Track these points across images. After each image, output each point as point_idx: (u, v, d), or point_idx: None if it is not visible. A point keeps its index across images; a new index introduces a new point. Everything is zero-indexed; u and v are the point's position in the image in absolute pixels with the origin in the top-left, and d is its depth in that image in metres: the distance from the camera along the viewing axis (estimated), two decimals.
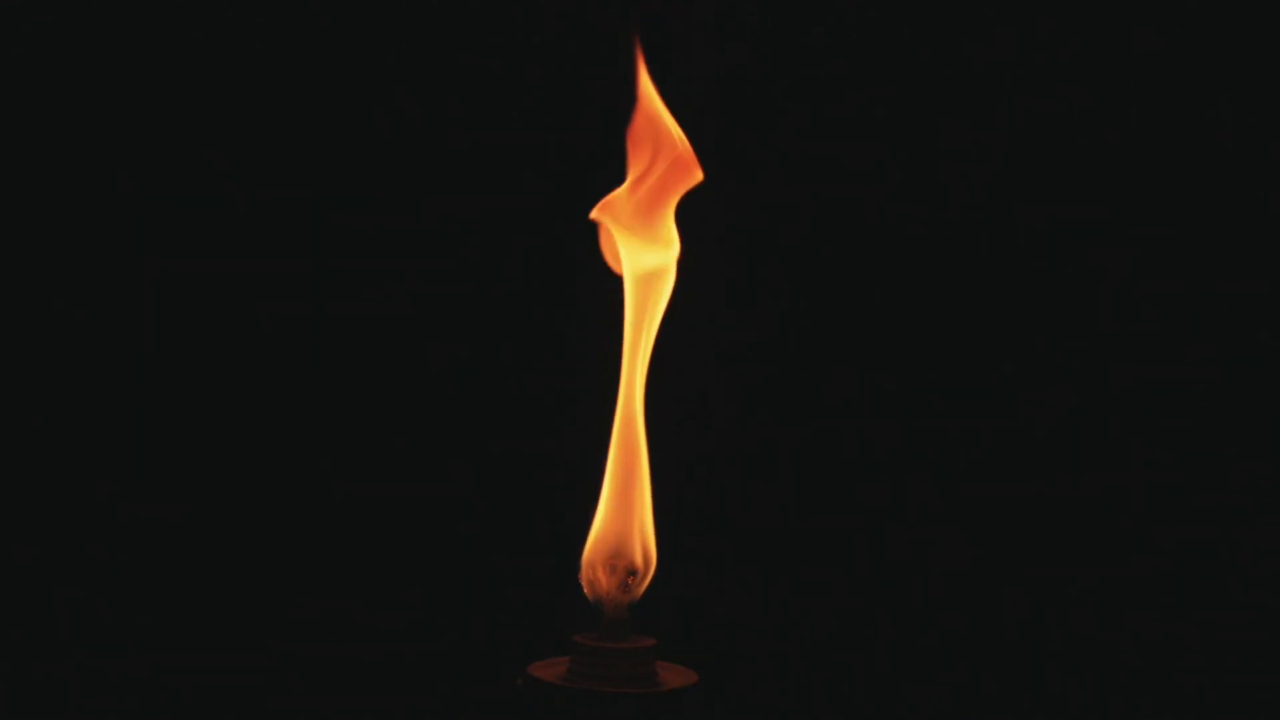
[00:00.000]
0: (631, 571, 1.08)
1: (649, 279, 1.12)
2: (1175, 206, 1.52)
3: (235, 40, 1.48)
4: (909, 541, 1.53)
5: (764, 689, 1.51)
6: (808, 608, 1.53)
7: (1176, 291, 1.52)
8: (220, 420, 1.50)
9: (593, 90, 1.48)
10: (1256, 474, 1.52)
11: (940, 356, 1.53)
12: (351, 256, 1.51)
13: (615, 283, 1.13)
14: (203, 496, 1.50)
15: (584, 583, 1.08)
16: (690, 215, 1.14)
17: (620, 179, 1.14)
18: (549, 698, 1.03)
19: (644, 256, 1.12)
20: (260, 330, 1.50)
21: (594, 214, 1.12)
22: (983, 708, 1.51)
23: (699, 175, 1.13)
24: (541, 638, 1.13)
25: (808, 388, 1.53)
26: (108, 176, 1.48)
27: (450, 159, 1.51)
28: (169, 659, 1.47)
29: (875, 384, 1.53)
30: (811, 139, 1.52)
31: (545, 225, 1.49)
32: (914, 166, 1.52)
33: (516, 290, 1.52)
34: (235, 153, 1.49)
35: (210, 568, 1.49)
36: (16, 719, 1.43)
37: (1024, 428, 1.53)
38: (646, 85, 1.17)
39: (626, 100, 1.16)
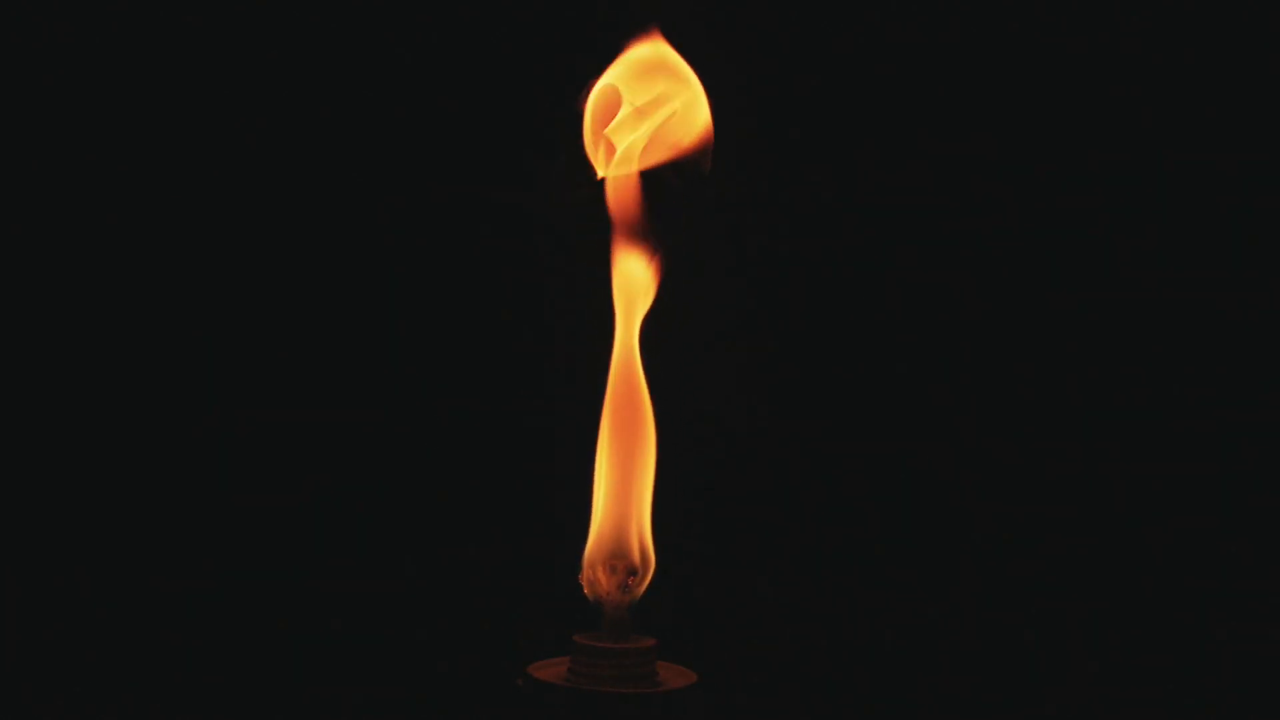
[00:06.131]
0: (631, 571, 1.08)
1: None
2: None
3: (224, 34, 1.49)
4: (910, 541, 1.53)
5: (764, 689, 1.51)
6: (808, 608, 1.53)
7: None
8: (217, 420, 1.51)
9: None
10: None
11: (942, 354, 1.53)
12: (350, 253, 1.51)
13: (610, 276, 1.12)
14: (200, 493, 1.50)
15: (584, 583, 1.08)
16: (690, 216, 1.14)
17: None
18: (549, 698, 1.03)
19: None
20: (254, 324, 1.51)
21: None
22: (983, 708, 1.51)
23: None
24: (541, 638, 1.13)
25: (809, 387, 1.53)
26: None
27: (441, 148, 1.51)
28: (167, 658, 1.47)
29: (876, 384, 1.53)
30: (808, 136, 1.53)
31: (543, 218, 1.49)
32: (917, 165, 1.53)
33: (514, 287, 1.52)
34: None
35: (207, 567, 1.49)
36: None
37: (1024, 424, 1.53)
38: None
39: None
